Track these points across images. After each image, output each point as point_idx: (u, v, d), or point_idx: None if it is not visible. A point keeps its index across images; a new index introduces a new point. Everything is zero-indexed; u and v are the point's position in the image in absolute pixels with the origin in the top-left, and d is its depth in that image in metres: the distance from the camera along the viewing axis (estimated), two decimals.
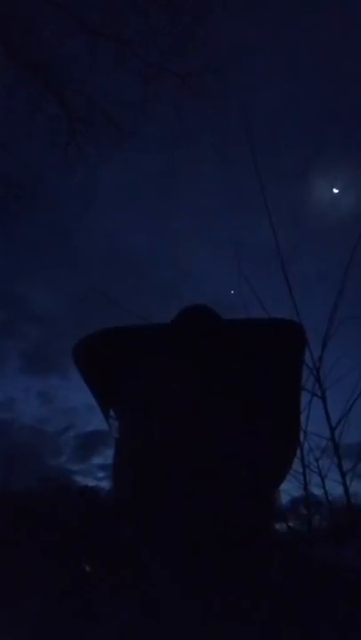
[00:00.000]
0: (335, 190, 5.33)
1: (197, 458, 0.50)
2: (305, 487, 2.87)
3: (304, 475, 2.91)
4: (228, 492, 0.51)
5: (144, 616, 0.49)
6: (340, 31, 6.37)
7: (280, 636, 0.45)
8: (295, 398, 0.61)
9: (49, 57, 5.11)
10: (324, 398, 2.98)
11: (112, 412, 0.61)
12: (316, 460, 2.92)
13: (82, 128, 5.46)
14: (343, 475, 2.77)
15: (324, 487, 2.89)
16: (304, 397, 2.94)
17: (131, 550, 0.54)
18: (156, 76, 5.25)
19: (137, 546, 0.54)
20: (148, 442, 0.52)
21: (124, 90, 5.43)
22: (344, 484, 2.74)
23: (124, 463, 0.55)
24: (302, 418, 2.95)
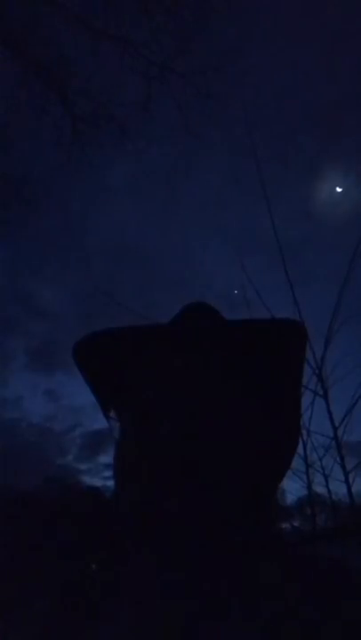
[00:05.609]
0: (338, 189, 5.31)
1: (198, 458, 0.50)
2: (308, 486, 2.86)
3: (307, 474, 2.90)
4: (230, 492, 0.51)
5: (146, 617, 0.49)
6: (348, 25, 6.32)
7: (283, 637, 0.45)
8: (296, 398, 0.61)
9: (52, 57, 5.12)
10: (326, 397, 2.97)
11: (112, 413, 0.61)
12: (320, 459, 2.92)
13: (85, 128, 5.46)
14: (346, 473, 2.76)
15: (327, 486, 2.89)
16: (307, 397, 2.94)
17: (132, 551, 0.54)
18: (158, 74, 5.25)
19: (139, 546, 0.54)
20: (148, 442, 0.52)
21: (126, 89, 5.42)
22: (347, 482, 2.73)
23: (124, 463, 0.55)
24: (305, 417, 2.96)
